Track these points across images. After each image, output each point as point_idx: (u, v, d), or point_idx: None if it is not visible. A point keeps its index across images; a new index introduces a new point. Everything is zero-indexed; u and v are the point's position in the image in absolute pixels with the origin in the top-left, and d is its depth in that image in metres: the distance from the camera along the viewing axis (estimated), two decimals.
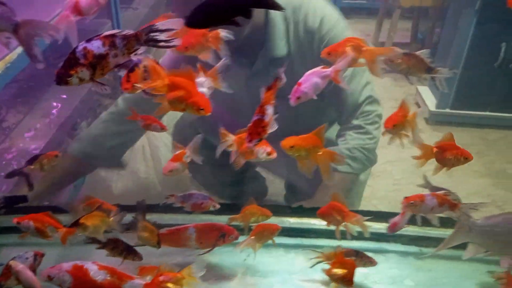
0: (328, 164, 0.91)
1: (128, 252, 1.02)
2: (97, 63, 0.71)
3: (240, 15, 0.68)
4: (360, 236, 1.05)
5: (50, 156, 1.02)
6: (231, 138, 0.90)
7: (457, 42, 3.00)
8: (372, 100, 1.50)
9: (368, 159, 1.50)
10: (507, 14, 2.79)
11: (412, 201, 0.94)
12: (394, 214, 1.03)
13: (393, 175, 2.78)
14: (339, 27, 1.45)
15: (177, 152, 1.05)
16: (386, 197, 2.61)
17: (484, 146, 3.07)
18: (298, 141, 0.87)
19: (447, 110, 3.19)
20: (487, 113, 3.13)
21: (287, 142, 0.86)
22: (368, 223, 1.02)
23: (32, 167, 1.03)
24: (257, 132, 0.72)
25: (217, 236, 1.05)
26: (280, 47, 1.43)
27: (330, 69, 0.87)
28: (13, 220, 0.94)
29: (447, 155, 0.96)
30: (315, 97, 0.87)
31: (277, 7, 0.69)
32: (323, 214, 1.02)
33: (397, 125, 0.95)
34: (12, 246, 1.11)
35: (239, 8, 0.67)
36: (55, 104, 2.24)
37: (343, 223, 1.02)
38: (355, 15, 5.43)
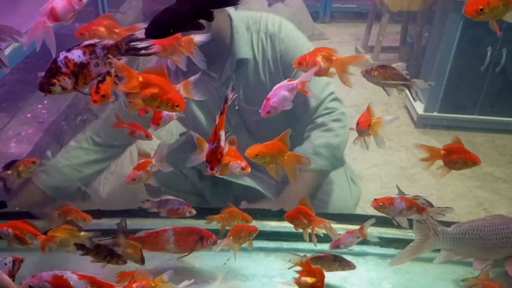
0: (294, 166, 0.92)
1: (111, 256, 1.03)
2: (79, 72, 0.73)
3: (200, 18, 0.68)
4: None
5: (28, 162, 1.02)
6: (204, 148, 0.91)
7: (444, 46, 3.03)
8: (334, 97, 1.57)
9: (333, 156, 1.54)
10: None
11: (381, 203, 0.96)
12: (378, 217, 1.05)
13: (381, 178, 2.81)
14: (296, 31, 1.60)
15: (141, 161, 1.06)
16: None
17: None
18: (262, 149, 0.90)
19: (435, 114, 3.21)
20: (474, 116, 3.16)
21: (252, 151, 0.89)
22: (343, 226, 1.04)
23: (8, 172, 1.03)
24: (216, 159, 0.74)
25: (195, 240, 1.06)
26: (246, 50, 1.54)
27: (296, 81, 0.90)
28: None
29: (455, 158, 0.98)
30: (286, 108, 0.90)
31: (233, 2, 0.70)
32: (291, 217, 1.03)
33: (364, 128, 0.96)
34: None
35: (198, 12, 0.67)
36: (40, 108, 2.25)
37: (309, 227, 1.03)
38: (345, 19, 5.46)
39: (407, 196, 0.98)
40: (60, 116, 2.21)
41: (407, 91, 0.97)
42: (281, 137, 0.92)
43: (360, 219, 1.12)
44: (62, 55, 0.73)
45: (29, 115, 2.13)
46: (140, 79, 0.75)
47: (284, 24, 1.60)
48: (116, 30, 0.96)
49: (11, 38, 0.77)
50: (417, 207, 0.97)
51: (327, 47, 0.91)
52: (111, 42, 0.75)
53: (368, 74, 0.93)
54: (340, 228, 1.12)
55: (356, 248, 1.18)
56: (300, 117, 1.61)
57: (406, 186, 2.79)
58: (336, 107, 1.58)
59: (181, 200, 1.09)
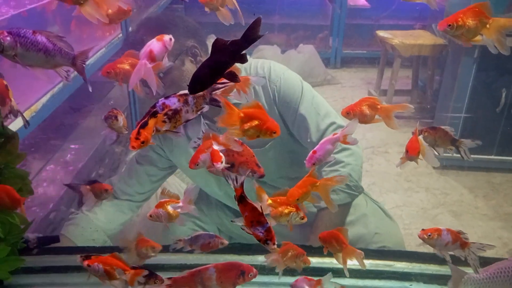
0: (328, 192, 0.97)
1: None
2: (172, 116, 0.81)
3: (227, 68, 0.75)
4: (382, 275, 1.07)
5: (104, 187, 1.06)
6: (265, 198, 0.95)
7: (458, 89, 3.10)
8: (336, 126, 1.55)
9: (348, 186, 1.53)
10: (505, 61, 2.92)
11: (429, 233, 0.97)
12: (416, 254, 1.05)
13: (403, 219, 2.79)
14: (286, 71, 1.60)
15: (163, 200, 1.07)
16: None
17: (491, 190, 3.10)
18: (299, 192, 0.94)
19: (453, 154, 3.23)
20: (492, 156, 3.18)
21: (292, 197, 0.93)
22: (391, 262, 1.04)
23: (88, 187, 1.06)
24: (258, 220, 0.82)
25: (237, 275, 1.07)
26: (249, 96, 1.58)
27: (339, 134, 0.96)
28: (84, 263, 0.97)
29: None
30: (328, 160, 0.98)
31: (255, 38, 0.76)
32: (324, 239, 1.04)
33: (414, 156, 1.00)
34: (41, 286, 1.12)
35: (230, 61, 0.74)
36: (71, 153, 2.31)
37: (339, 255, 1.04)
38: (356, 64, 5.62)
39: (452, 229, 0.99)
40: (89, 160, 2.27)
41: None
42: (310, 173, 0.97)
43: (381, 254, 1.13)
44: (161, 101, 0.82)
45: (61, 159, 2.18)
46: (241, 114, 0.83)
47: (274, 66, 1.62)
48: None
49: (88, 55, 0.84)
50: (460, 241, 0.98)
51: (372, 97, 0.97)
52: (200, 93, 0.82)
53: (419, 134, 1.00)
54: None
55: (397, 284, 1.19)
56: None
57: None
58: (349, 148, 1.56)
59: (211, 233, 1.11)
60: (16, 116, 1.01)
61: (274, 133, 0.83)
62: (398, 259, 1.16)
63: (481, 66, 2.95)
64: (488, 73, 2.98)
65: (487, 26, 0.78)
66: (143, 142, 0.82)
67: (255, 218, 0.84)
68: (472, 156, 3.32)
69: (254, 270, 1.08)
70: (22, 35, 0.76)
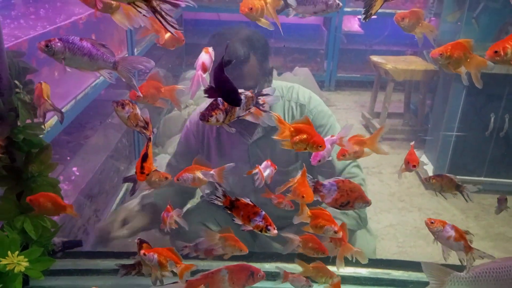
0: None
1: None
2: (228, 111, 0.91)
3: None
4: (380, 282, 1.15)
5: (162, 175, 1.12)
6: (306, 210, 1.04)
7: (449, 112, 3.23)
8: (356, 164, 1.75)
9: (359, 216, 1.70)
10: (493, 87, 3.07)
11: (433, 221, 1.05)
12: (413, 263, 1.13)
13: (397, 238, 2.88)
14: (323, 104, 1.83)
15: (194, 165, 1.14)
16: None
17: (481, 211, 3.21)
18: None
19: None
20: (482, 178, 3.29)
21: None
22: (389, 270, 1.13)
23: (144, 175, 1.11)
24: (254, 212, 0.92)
25: (247, 276, 1.14)
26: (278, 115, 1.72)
27: (336, 136, 1.09)
28: (140, 252, 1.03)
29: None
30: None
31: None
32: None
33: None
34: None
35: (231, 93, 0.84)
36: (76, 170, 2.37)
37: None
38: (349, 87, 5.77)
39: (458, 227, 1.08)
40: (94, 177, 2.34)
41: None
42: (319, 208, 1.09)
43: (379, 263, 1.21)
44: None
45: (67, 176, 2.24)
46: (292, 128, 0.95)
47: (313, 97, 1.82)
48: (162, 90, 1.14)
49: (142, 66, 0.93)
50: (465, 243, 1.05)
51: (357, 135, 1.10)
52: (250, 94, 0.94)
53: (427, 182, 1.15)
54: (366, 272, 1.20)
55: None
56: (325, 178, 1.77)
57: (421, 245, 2.86)
58: (358, 173, 1.75)
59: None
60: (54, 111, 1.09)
61: (320, 146, 0.93)
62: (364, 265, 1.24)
63: (471, 92, 3.09)
64: (477, 98, 3.11)
65: (468, 60, 0.90)
66: (148, 174, 0.92)
67: (250, 211, 0.93)
68: (463, 177, 3.43)
69: (262, 271, 1.16)
70: (70, 41, 0.87)
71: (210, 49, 1.01)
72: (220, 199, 0.94)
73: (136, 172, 0.93)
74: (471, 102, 3.13)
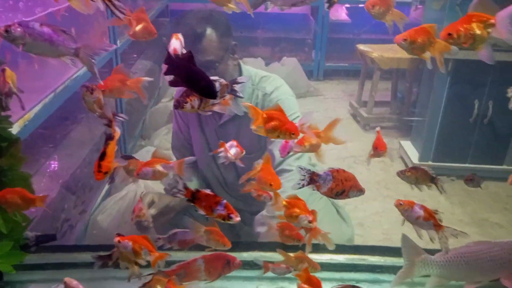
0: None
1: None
2: (203, 99, 0.91)
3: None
4: (357, 268, 1.16)
5: (138, 163, 1.11)
6: (281, 201, 1.04)
7: (434, 100, 3.25)
8: (297, 157, 1.72)
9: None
10: (476, 74, 3.08)
11: (401, 203, 1.06)
12: (389, 248, 1.15)
13: (382, 225, 2.90)
14: (287, 97, 1.83)
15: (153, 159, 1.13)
16: None
17: (466, 197, 3.24)
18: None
19: (429, 163, 3.37)
20: (467, 165, 3.32)
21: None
22: (365, 256, 1.14)
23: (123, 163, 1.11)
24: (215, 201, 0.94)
25: (223, 264, 1.15)
26: (244, 102, 1.74)
27: (296, 123, 1.08)
28: (115, 238, 1.02)
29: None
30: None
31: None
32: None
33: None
34: (39, 282, 1.18)
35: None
36: (58, 163, 2.36)
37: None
38: (338, 76, 5.77)
39: (427, 207, 1.09)
40: (77, 169, 2.33)
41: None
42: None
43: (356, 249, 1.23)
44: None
45: (48, 169, 2.23)
46: (264, 115, 0.94)
47: (281, 88, 1.84)
48: (127, 82, 1.13)
49: (104, 51, 0.92)
50: (434, 221, 1.06)
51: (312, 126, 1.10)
52: (225, 82, 0.94)
53: (402, 174, 1.15)
54: (343, 258, 1.22)
55: (370, 276, 1.28)
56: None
57: (407, 232, 2.88)
58: (293, 166, 1.70)
59: (187, 230, 1.18)
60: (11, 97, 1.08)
61: (293, 134, 0.93)
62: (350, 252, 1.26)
63: (455, 79, 3.10)
64: (461, 85, 3.13)
65: (432, 45, 0.90)
66: (106, 173, 0.91)
67: (211, 201, 0.93)
68: (448, 164, 3.46)
69: (238, 260, 1.16)
70: (30, 26, 0.85)
71: (179, 35, 1.01)
72: (182, 192, 0.93)
73: (94, 172, 0.91)
74: (456, 89, 3.15)
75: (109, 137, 0.93)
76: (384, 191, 3.30)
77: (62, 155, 2.40)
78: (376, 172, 3.56)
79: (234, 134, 1.83)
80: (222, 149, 1.12)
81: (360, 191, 1.03)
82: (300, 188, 1.00)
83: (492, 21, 0.80)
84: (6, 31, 0.84)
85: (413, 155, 3.47)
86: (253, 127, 0.96)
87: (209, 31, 1.66)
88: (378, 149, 1.14)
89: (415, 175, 1.16)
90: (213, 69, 1.66)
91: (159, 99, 4.32)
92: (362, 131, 4.30)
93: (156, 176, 1.04)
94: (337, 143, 1.07)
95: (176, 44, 1.03)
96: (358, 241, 2.42)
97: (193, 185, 1.95)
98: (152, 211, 1.75)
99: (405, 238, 1.15)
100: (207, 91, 0.83)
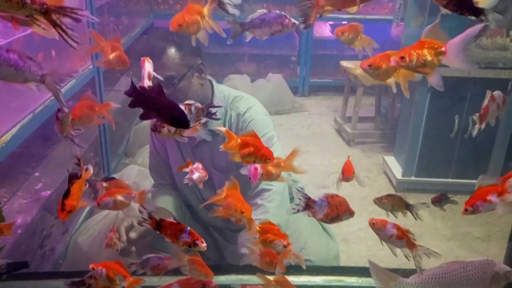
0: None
1: None
2: None
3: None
4: None
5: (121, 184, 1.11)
6: (254, 225, 1.04)
7: (415, 116, 3.29)
8: (277, 173, 1.72)
9: None
10: (456, 90, 3.13)
11: (374, 221, 1.07)
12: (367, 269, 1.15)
13: (367, 241, 2.90)
14: (261, 117, 1.85)
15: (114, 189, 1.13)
16: (360, 262, 2.71)
17: (449, 211, 3.25)
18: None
19: (412, 178, 3.40)
20: (449, 180, 3.35)
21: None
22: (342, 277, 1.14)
23: (104, 185, 1.11)
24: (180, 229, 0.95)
25: None
26: (218, 122, 1.78)
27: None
28: (90, 266, 1.03)
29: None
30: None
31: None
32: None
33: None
34: None
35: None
36: (38, 183, 2.33)
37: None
38: (322, 92, 5.82)
39: (401, 226, 1.10)
40: (58, 188, 2.30)
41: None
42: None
43: (341, 271, 1.23)
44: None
45: (30, 188, 2.21)
46: (239, 140, 0.94)
47: (255, 108, 1.85)
48: (96, 108, 1.14)
49: (69, 77, 0.92)
50: (407, 240, 1.07)
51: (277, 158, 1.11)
52: (200, 105, 0.97)
53: (379, 201, 1.19)
54: (321, 280, 1.22)
55: None
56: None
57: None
58: (274, 184, 1.73)
59: (160, 255, 1.18)
60: None
61: (269, 159, 0.93)
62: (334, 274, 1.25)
63: (435, 95, 3.15)
64: (441, 100, 3.18)
65: (397, 71, 0.92)
66: (70, 211, 0.90)
67: (176, 229, 0.94)
68: (430, 179, 3.50)
69: (214, 283, 1.16)
70: None
71: (147, 58, 1.03)
72: (147, 221, 0.93)
73: (57, 211, 0.91)
74: (436, 104, 3.20)
75: (74, 176, 0.92)
76: (369, 207, 3.31)
77: (42, 175, 2.38)
78: (361, 188, 3.57)
79: (210, 153, 1.83)
80: (188, 168, 1.13)
81: (352, 214, 1.05)
82: (295, 213, 1.00)
83: (443, 49, 0.82)
84: None
85: (397, 171, 3.50)
86: (223, 148, 0.96)
87: (170, 48, 1.70)
88: (345, 174, 1.16)
89: (392, 202, 1.19)
90: (172, 86, 1.68)
91: None
92: (346, 146, 4.33)
93: (117, 206, 1.04)
94: (298, 172, 1.09)
95: (149, 67, 1.04)
96: (342, 257, 2.42)
97: (171, 205, 1.94)
98: (132, 235, 1.72)
99: (373, 265, 1.16)
100: (179, 122, 0.83)
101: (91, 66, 2.73)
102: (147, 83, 1.03)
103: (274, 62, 5.78)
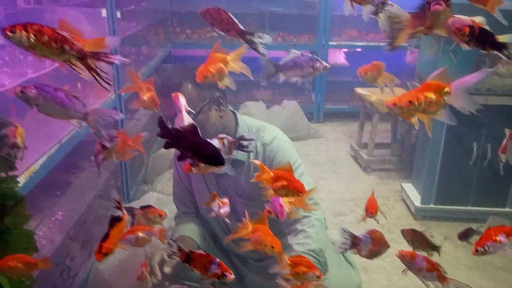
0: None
1: None
2: None
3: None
4: None
5: (158, 212, 1.14)
6: (284, 258, 1.05)
7: (433, 143, 3.28)
8: (313, 202, 1.75)
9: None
10: (474, 116, 3.12)
11: (403, 254, 1.07)
12: None
13: (387, 270, 2.87)
14: (286, 145, 1.88)
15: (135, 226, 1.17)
16: None
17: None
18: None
19: (431, 206, 3.37)
20: (469, 207, 3.32)
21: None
22: None
23: (141, 212, 1.15)
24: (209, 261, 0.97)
25: None
26: (242, 153, 1.79)
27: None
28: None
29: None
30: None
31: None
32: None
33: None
34: None
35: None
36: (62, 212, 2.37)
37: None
38: (338, 118, 5.85)
39: (430, 259, 1.10)
40: (81, 217, 2.34)
41: None
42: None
43: None
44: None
45: (54, 218, 2.25)
46: (271, 174, 0.97)
47: (279, 136, 1.88)
48: (129, 142, 1.21)
49: (110, 118, 0.97)
50: (438, 273, 1.06)
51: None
52: (231, 139, 1.02)
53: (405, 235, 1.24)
54: None
55: None
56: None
57: (412, 277, 2.85)
58: (311, 214, 1.75)
59: (184, 286, 1.19)
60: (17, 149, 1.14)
61: (301, 192, 0.96)
62: None
63: None
64: (459, 127, 3.17)
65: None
66: (106, 254, 0.94)
67: (205, 261, 0.95)
68: (450, 207, 3.46)
69: None
70: (45, 90, 0.93)
71: (179, 93, 1.07)
72: (177, 254, 0.96)
73: (95, 253, 0.94)
74: (454, 131, 3.19)
75: (116, 219, 0.96)
76: (387, 235, 3.26)
77: (66, 203, 2.42)
78: (378, 215, 3.55)
79: (234, 181, 1.86)
80: (215, 202, 1.15)
81: (388, 247, 1.06)
82: (342, 252, 1.02)
83: (447, 89, 0.85)
84: (22, 91, 0.91)
85: (415, 198, 3.47)
86: (254, 180, 0.99)
87: (185, 83, 1.75)
88: (369, 211, 1.17)
89: (413, 238, 1.25)
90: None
91: (161, 144, 4.38)
92: (363, 173, 4.32)
93: (139, 243, 1.07)
94: (308, 210, 1.10)
95: (184, 101, 1.08)
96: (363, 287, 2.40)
97: (195, 233, 1.96)
98: (167, 269, 1.71)
99: None
100: (215, 161, 0.86)
101: (113, 96, 2.81)
102: (185, 116, 1.07)
103: (289, 89, 5.84)
